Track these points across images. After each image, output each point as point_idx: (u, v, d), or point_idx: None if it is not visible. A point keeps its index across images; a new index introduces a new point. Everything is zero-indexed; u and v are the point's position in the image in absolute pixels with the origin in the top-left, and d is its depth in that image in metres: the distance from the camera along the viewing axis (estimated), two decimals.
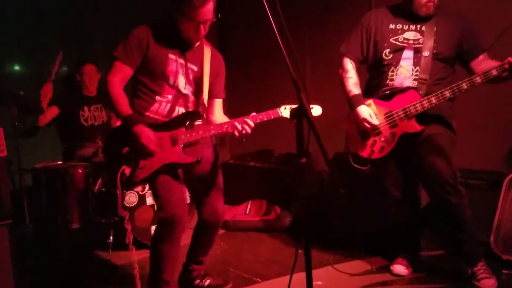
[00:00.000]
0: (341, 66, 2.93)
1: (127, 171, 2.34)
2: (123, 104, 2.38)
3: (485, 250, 2.89)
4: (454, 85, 2.57)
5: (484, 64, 2.63)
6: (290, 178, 4.39)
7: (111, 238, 3.49)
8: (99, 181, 3.77)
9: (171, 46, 2.45)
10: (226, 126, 2.39)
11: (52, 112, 4.12)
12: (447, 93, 2.58)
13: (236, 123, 2.36)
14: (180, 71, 2.48)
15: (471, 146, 3.36)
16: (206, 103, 2.53)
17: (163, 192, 2.41)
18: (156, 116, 2.48)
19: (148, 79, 2.46)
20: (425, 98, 2.62)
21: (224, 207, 2.72)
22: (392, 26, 2.77)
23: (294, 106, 2.24)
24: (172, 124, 2.45)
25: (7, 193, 2.53)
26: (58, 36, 4.59)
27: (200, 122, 2.52)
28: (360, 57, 2.90)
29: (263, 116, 2.36)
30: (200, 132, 2.42)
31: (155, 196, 2.47)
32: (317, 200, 3.63)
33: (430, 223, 3.11)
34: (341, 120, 3.61)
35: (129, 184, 2.39)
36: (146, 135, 2.31)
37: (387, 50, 2.75)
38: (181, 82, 2.49)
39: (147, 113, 2.47)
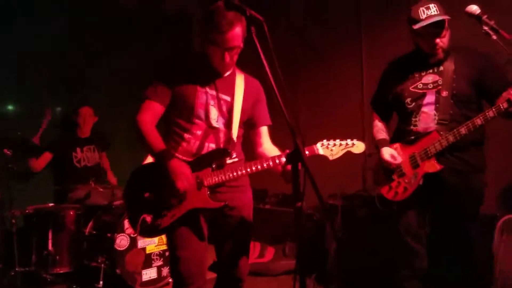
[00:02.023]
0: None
1: (148, 218, 2.16)
2: (154, 139, 2.18)
3: None
4: (469, 121, 2.54)
5: None
6: (285, 219, 4.37)
7: (101, 282, 3.41)
8: (90, 223, 3.72)
9: (199, 77, 2.27)
10: (257, 166, 2.19)
11: (45, 159, 4.21)
12: (463, 130, 2.54)
13: (268, 162, 2.17)
14: (212, 102, 2.28)
15: None
16: (235, 138, 2.31)
17: (179, 251, 2.20)
18: (182, 157, 2.24)
19: (178, 116, 2.28)
20: (443, 136, 2.62)
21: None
22: (410, 74, 2.81)
23: (332, 143, 2.23)
24: (197, 163, 2.22)
25: None
26: (56, 79, 4.67)
27: (234, 160, 2.32)
28: (382, 109, 3.02)
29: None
30: (229, 174, 2.20)
31: (171, 252, 2.26)
32: (314, 243, 3.61)
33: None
34: (333, 164, 3.61)
35: (150, 233, 2.21)
36: (183, 172, 2.11)
37: (409, 99, 2.78)
38: (213, 115, 2.28)
39: (176, 154, 2.25)
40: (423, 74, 2.76)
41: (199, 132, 2.26)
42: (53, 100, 4.79)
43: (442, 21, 2.57)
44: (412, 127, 2.77)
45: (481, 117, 2.51)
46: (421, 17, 2.60)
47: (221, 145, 2.30)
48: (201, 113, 2.26)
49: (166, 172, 2.10)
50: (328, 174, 4.28)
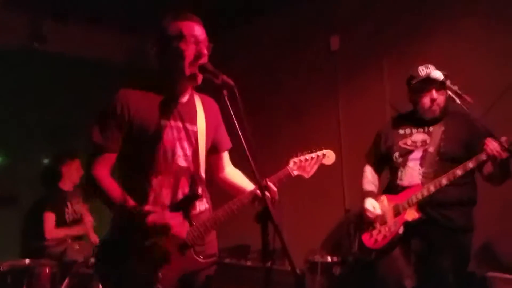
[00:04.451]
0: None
1: None
2: (118, 192, 1.87)
3: None
4: (450, 172, 2.59)
5: None
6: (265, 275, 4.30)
7: None
8: (66, 280, 3.64)
9: (157, 108, 1.93)
10: (235, 206, 1.98)
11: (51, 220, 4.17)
12: (444, 180, 2.59)
13: (247, 196, 1.98)
14: (179, 136, 1.98)
15: None
16: (203, 174, 2.05)
17: None
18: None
19: (136, 157, 1.93)
20: (425, 186, 2.67)
21: None
22: (401, 131, 2.91)
23: (304, 159, 2.14)
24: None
25: None
26: (38, 131, 4.70)
27: (206, 206, 2.08)
28: (375, 162, 3.10)
29: (279, 177, 2.05)
30: (207, 223, 1.96)
31: None
32: None
33: None
34: (313, 219, 3.64)
35: None
36: (165, 218, 1.84)
37: (397, 154, 2.87)
38: (183, 151, 1.98)
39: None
40: (414, 132, 2.86)
41: (170, 178, 1.95)
42: (35, 151, 4.81)
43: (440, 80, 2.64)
44: (398, 181, 2.85)
45: (461, 168, 2.56)
46: (420, 74, 2.75)
47: (195, 188, 2.01)
48: (169, 153, 1.94)
49: (152, 228, 1.81)
50: (308, 229, 4.30)
